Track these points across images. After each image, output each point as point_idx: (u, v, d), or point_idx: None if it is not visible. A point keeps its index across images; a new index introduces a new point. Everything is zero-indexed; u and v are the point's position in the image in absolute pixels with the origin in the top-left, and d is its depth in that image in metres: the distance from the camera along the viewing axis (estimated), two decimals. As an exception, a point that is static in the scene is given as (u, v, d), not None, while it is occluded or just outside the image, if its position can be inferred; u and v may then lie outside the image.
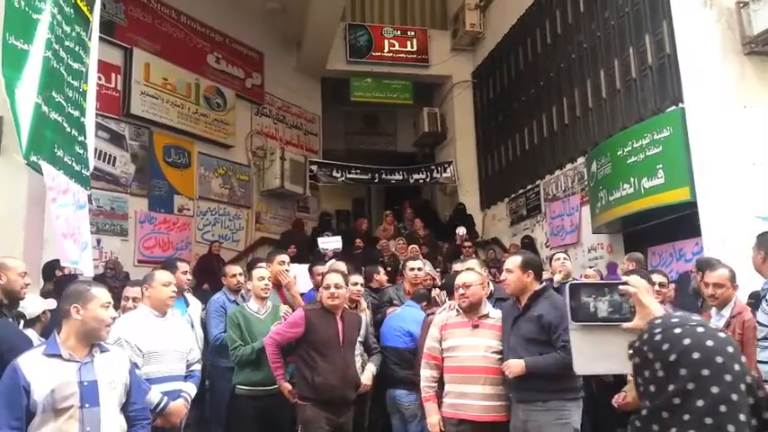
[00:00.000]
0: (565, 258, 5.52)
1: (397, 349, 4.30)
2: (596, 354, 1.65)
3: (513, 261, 3.50)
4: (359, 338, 4.29)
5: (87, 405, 2.45)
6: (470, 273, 3.75)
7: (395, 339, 4.34)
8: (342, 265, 5.16)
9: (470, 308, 3.58)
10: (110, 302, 2.62)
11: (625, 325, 1.58)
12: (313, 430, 3.65)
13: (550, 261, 5.97)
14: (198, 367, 3.65)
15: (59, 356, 2.48)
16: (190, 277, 4.77)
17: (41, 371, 2.41)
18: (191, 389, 3.51)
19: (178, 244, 9.12)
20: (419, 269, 5.17)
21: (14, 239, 3.90)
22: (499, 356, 3.44)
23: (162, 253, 8.73)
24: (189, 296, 4.81)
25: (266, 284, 4.29)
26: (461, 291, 3.58)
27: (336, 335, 3.81)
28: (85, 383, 2.47)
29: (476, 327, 3.55)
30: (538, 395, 3.27)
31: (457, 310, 3.67)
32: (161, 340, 3.38)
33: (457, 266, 5.09)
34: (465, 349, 3.52)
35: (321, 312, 3.81)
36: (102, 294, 2.60)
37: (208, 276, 7.86)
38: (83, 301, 2.54)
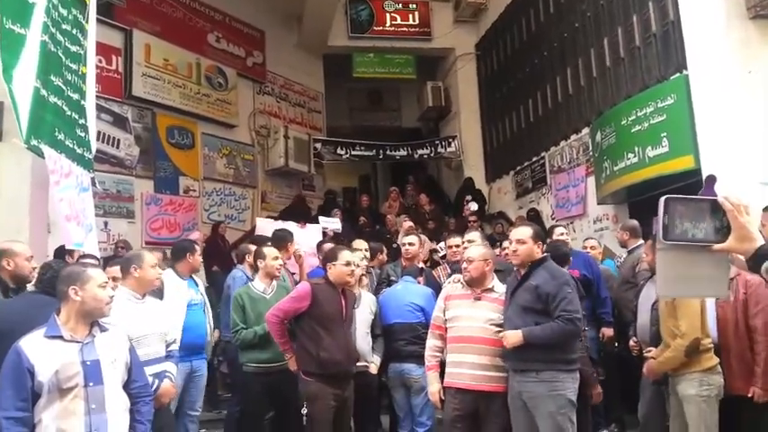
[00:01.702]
0: (563, 233, 5.51)
1: (411, 324, 4.31)
2: (683, 276, 1.50)
3: (525, 232, 3.51)
4: (370, 317, 4.35)
5: (91, 384, 2.51)
6: (477, 247, 3.81)
7: (406, 315, 4.35)
8: (363, 243, 5.22)
9: (473, 281, 3.63)
10: (107, 282, 2.68)
11: (716, 247, 1.45)
12: (319, 405, 3.70)
13: (547, 234, 5.98)
14: (175, 347, 3.68)
15: (61, 338, 2.53)
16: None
17: (44, 353, 2.46)
18: (173, 369, 3.55)
19: (185, 225, 9.16)
20: (410, 244, 5.19)
21: (20, 223, 3.96)
22: (498, 329, 3.48)
23: (169, 234, 8.79)
24: (195, 277, 4.84)
25: (281, 263, 4.34)
26: (464, 264, 3.65)
27: (340, 310, 3.85)
28: (88, 363, 2.52)
29: (477, 299, 3.61)
30: (531, 365, 3.31)
31: (461, 283, 3.71)
32: (144, 324, 3.39)
33: (452, 241, 5.13)
34: (464, 319, 3.58)
35: (326, 287, 3.82)
36: (98, 275, 2.66)
37: (215, 258, 7.92)
38: (81, 282, 2.58)
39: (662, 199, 1.45)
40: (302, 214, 9.63)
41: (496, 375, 3.49)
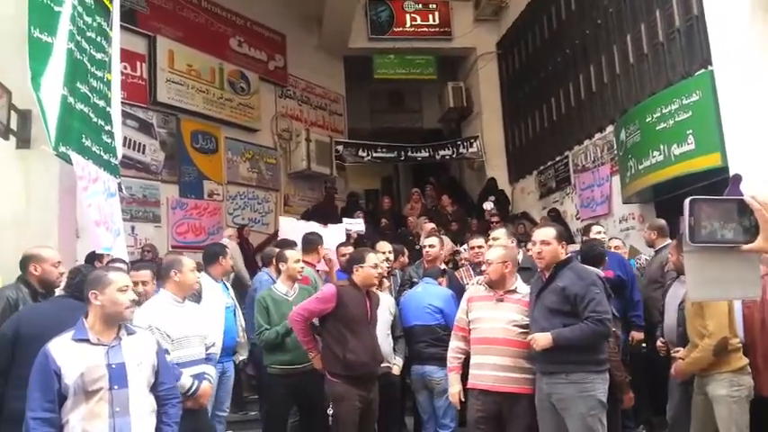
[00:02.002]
0: (600, 231, 5.40)
1: (430, 326, 4.33)
2: (712, 278, 1.46)
3: (549, 233, 3.49)
4: (390, 318, 4.37)
5: (116, 387, 2.54)
6: (495, 249, 3.79)
7: (426, 317, 4.36)
8: (386, 246, 5.24)
9: (493, 283, 3.63)
10: (127, 286, 2.69)
11: (745, 247, 1.40)
12: (345, 406, 3.72)
13: (584, 232, 5.90)
14: (214, 351, 3.75)
15: (87, 341, 2.57)
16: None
17: (71, 355, 2.51)
18: (212, 371, 3.61)
19: (210, 229, 9.28)
20: (431, 246, 5.18)
21: (49, 229, 4.04)
22: (521, 330, 3.47)
23: (194, 238, 8.91)
24: (225, 280, 4.90)
25: (302, 266, 4.38)
26: (484, 267, 3.64)
27: (365, 312, 3.88)
28: (113, 366, 2.56)
29: (500, 300, 3.60)
30: (561, 367, 3.27)
31: (484, 284, 3.73)
32: (186, 326, 3.47)
33: (474, 242, 5.10)
34: (487, 321, 3.57)
35: (351, 289, 3.86)
36: (119, 278, 2.68)
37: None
38: (101, 286, 2.63)
39: (687, 200, 1.41)
40: (330, 212, 9.68)
41: (520, 377, 3.47)
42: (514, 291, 3.63)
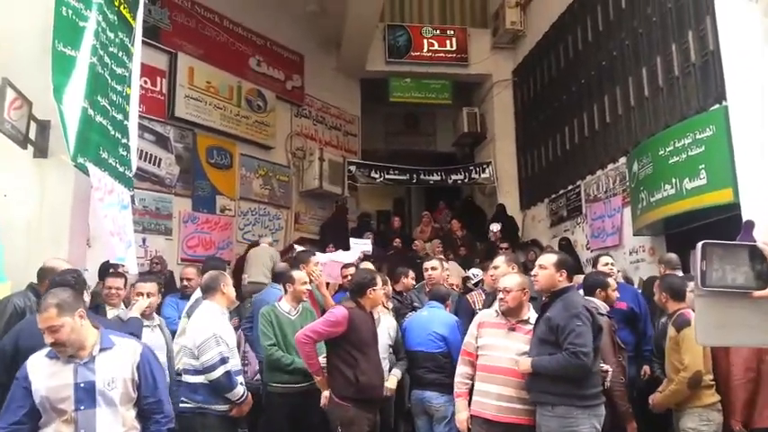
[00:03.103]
0: (608, 263, 5.32)
1: (432, 354, 4.29)
2: (723, 323, 1.47)
3: (548, 259, 3.52)
4: (389, 342, 4.35)
5: (82, 407, 2.48)
6: (512, 276, 3.75)
7: (429, 344, 4.32)
8: (370, 266, 5.24)
9: (509, 311, 3.60)
10: (43, 329, 2.49)
11: (757, 293, 1.41)
12: (355, 431, 3.70)
13: (593, 263, 5.85)
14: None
15: (58, 358, 2.52)
16: None
17: (41, 372, 2.49)
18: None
19: (220, 243, 9.35)
20: (432, 268, 5.17)
21: (60, 237, 4.09)
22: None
23: (204, 252, 8.97)
24: None
25: (308, 288, 4.44)
26: (501, 295, 3.61)
27: (373, 334, 3.91)
28: (82, 385, 2.49)
29: (512, 330, 3.58)
30: (546, 398, 3.28)
31: (496, 311, 3.69)
32: (232, 336, 3.67)
33: (472, 271, 5.07)
34: (496, 349, 3.56)
35: (359, 311, 3.84)
36: (41, 309, 2.51)
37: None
38: None
39: (699, 245, 1.43)
40: (341, 225, 9.70)
41: (523, 408, 3.44)
42: (527, 321, 3.60)
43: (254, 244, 9.15)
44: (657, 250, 7.33)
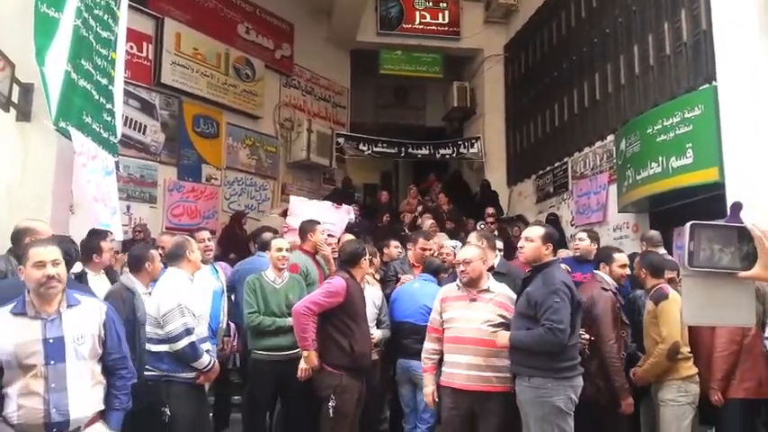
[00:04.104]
0: (583, 238, 5.38)
1: (421, 327, 4.25)
2: (708, 303, 1.48)
3: (536, 231, 3.55)
4: (375, 311, 4.38)
5: (52, 362, 2.51)
6: (470, 248, 3.82)
7: (417, 316, 4.35)
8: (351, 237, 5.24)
9: (470, 282, 3.64)
10: (43, 261, 2.53)
11: (742, 274, 1.42)
12: (348, 398, 3.78)
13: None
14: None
15: (24, 314, 2.54)
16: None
17: (6, 329, 2.50)
18: (213, 349, 3.74)
19: (205, 213, 9.30)
20: (429, 249, 5.09)
21: (43, 203, 4.03)
22: (495, 329, 3.51)
23: (189, 221, 8.93)
24: (218, 265, 4.91)
25: (283, 256, 4.37)
26: (462, 267, 3.65)
27: (364, 304, 3.99)
28: (51, 340, 2.52)
29: (473, 300, 3.63)
30: (524, 370, 3.36)
31: (457, 284, 3.75)
32: (199, 303, 3.63)
33: (450, 244, 5.10)
34: (461, 321, 3.61)
35: (353, 282, 3.91)
36: (36, 253, 2.55)
37: (233, 246, 8.01)
38: (24, 260, 2.59)
39: (687, 225, 1.44)
40: (348, 196, 9.65)
41: (492, 376, 3.53)
42: (487, 290, 3.66)
43: (240, 214, 9.11)
44: (641, 227, 7.41)
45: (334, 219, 5.77)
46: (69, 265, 3.42)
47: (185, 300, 3.48)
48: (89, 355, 2.62)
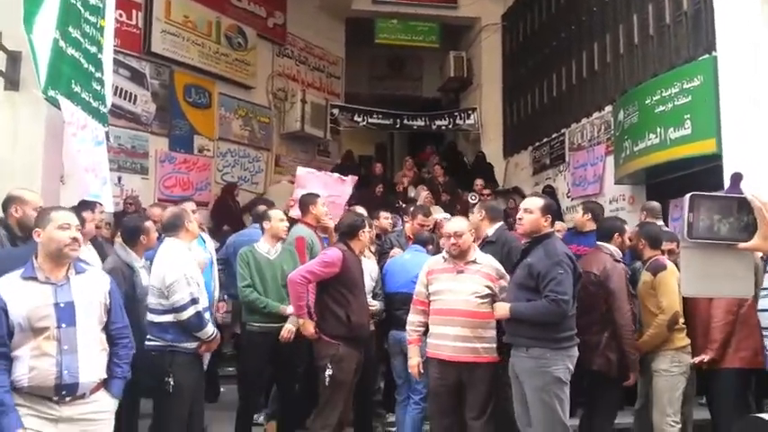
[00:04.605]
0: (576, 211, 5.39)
1: (409, 295, 4.32)
2: (707, 274, 1.48)
3: (535, 202, 3.54)
4: (371, 284, 4.38)
5: (64, 325, 2.55)
6: (460, 220, 3.85)
7: (410, 286, 4.28)
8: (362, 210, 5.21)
9: (460, 254, 3.64)
10: (69, 224, 2.63)
11: (742, 245, 1.42)
12: (346, 368, 3.80)
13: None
14: None
15: (35, 279, 2.58)
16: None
17: (18, 293, 2.53)
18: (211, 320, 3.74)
19: (198, 184, 9.20)
20: (427, 226, 5.13)
21: (33, 173, 3.97)
22: (482, 301, 3.53)
23: (182, 192, 8.82)
24: (205, 235, 4.86)
25: (287, 225, 4.37)
26: (453, 240, 3.63)
27: (362, 275, 4.00)
28: (62, 305, 2.57)
29: (460, 272, 3.63)
30: (522, 341, 3.37)
31: (443, 257, 3.75)
32: (198, 273, 3.64)
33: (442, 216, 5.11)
34: (448, 293, 3.61)
35: (350, 253, 3.91)
36: (59, 217, 2.64)
37: (225, 218, 7.97)
38: (42, 224, 2.63)
39: (687, 196, 1.43)
40: (351, 168, 9.58)
41: (479, 347, 3.56)
42: (474, 261, 3.65)
43: (232, 186, 9.04)
44: (637, 199, 7.40)
45: (339, 191, 5.74)
46: None
47: (190, 270, 3.49)
48: (97, 321, 2.69)
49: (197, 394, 3.65)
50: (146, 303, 3.57)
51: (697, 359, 3.82)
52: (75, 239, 2.62)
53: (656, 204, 5.44)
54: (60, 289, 2.59)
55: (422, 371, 3.72)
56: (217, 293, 4.56)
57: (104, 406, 2.69)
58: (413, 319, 3.80)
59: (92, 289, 2.70)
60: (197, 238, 4.44)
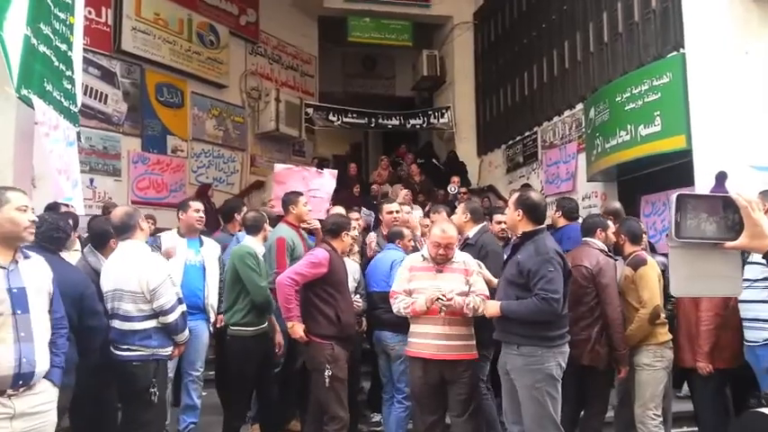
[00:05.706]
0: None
1: (386, 293, 4.31)
2: (695, 274, 1.49)
3: (512, 198, 3.59)
4: (354, 284, 4.37)
5: (19, 311, 2.44)
6: (451, 229, 3.76)
7: (382, 284, 4.35)
8: (341, 209, 5.19)
9: (443, 259, 3.66)
10: (26, 206, 2.55)
11: (729, 244, 1.43)
12: (340, 366, 3.79)
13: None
14: None
15: None
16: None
17: None
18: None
19: (172, 186, 9.06)
20: (396, 212, 5.07)
21: (3, 175, 3.85)
22: (463, 298, 3.53)
23: (156, 194, 8.72)
24: (204, 237, 4.77)
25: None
26: (442, 251, 3.62)
27: (346, 275, 4.00)
28: (15, 290, 2.46)
29: (440, 272, 3.66)
30: (513, 338, 3.36)
31: (423, 255, 3.76)
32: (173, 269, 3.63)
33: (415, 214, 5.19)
34: (430, 291, 3.58)
35: (335, 253, 3.90)
36: (16, 198, 2.55)
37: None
38: None
39: (674, 196, 1.45)
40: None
41: (460, 344, 3.59)
42: (451, 260, 3.68)
43: (206, 186, 8.92)
44: (609, 195, 7.53)
45: (318, 184, 5.70)
46: (64, 241, 3.34)
47: (169, 269, 3.43)
48: (46, 308, 2.60)
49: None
50: (112, 311, 3.37)
51: (702, 371, 3.89)
52: (33, 222, 2.55)
53: (618, 206, 5.30)
54: (11, 273, 2.47)
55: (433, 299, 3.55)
56: (212, 300, 4.46)
57: (50, 396, 2.59)
58: (400, 299, 3.67)
59: (39, 275, 2.60)
60: (185, 241, 4.44)
